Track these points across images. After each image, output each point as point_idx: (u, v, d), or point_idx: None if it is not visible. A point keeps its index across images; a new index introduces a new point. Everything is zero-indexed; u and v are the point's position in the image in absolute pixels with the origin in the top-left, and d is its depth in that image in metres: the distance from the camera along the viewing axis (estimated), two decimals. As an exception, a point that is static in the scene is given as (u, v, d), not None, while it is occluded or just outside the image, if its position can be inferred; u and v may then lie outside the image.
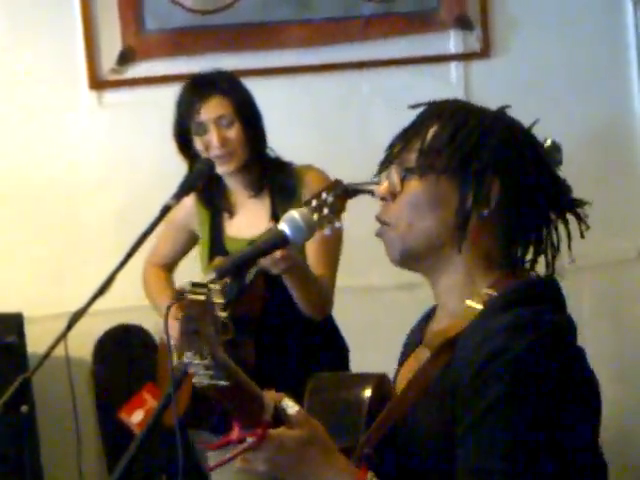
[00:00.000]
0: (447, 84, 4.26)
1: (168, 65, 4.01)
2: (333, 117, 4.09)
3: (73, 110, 4.02)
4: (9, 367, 3.35)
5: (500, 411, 1.53)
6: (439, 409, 1.61)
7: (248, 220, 3.04)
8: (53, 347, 2.63)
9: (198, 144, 2.95)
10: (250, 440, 1.57)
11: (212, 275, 1.81)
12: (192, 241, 3.21)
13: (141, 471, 3.73)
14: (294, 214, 1.87)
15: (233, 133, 2.93)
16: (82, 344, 3.82)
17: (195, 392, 2.88)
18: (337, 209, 2.45)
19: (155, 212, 2.86)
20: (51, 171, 3.99)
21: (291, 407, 1.62)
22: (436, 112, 1.74)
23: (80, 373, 3.85)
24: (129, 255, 2.77)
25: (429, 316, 1.80)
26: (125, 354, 3.89)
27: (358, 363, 2.99)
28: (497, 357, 1.53)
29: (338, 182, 2.48)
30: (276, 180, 3.02)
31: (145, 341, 3.68)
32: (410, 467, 1.67)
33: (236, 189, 3.06)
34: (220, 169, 2.96)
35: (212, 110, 2.91)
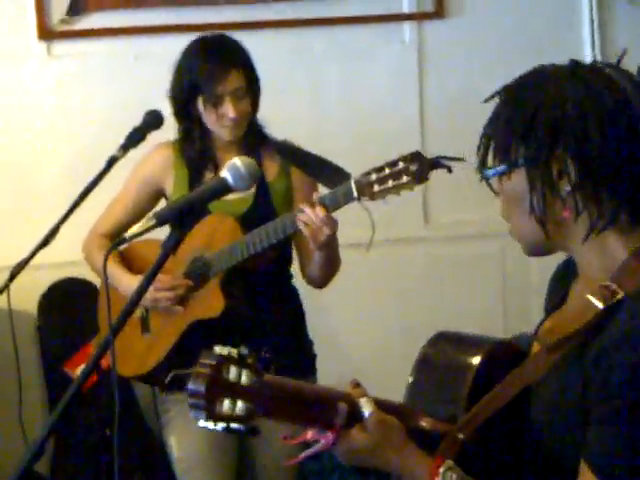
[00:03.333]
0: (401, 44, 4.26)
1: (118, 17, 3.97)
2: (284, 74, 4.08)
3: (22, 60, 3.97)
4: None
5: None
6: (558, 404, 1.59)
7: None
8: (-5, 298, 2.60)
9: (210, 114, 2.91)
10: (322, 442, 1.65)
11: (152, 221, 1.79)
12: (154, 202, 3.09)
13: (84, 427, 3.73)
14: (236, 161, 1.85)
15: (244, 105, 2.92)
16: (28, 297, 3.81)
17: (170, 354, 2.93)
18: (401, 184, 2.52)
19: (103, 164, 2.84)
20: (0, 121, 3.95)
21: (366, 409, 1.65)
22: (509, 100, 1.61)
23: (25, 327, 3.83)
24: (73, 207, 2.74)
25: (569, 270, 1.72)
26: (71, 307, 3.86)
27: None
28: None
29: (418, 153, 2.52)
30: (264, 146, 3.01)
31: (91, 294, 3.64)
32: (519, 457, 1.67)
33: (225, 147, 3.00)
34: (228, 137, 2.94)
35: (231, 84, 2.89)
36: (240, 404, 1.50)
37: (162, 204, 3.06)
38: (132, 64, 3.99)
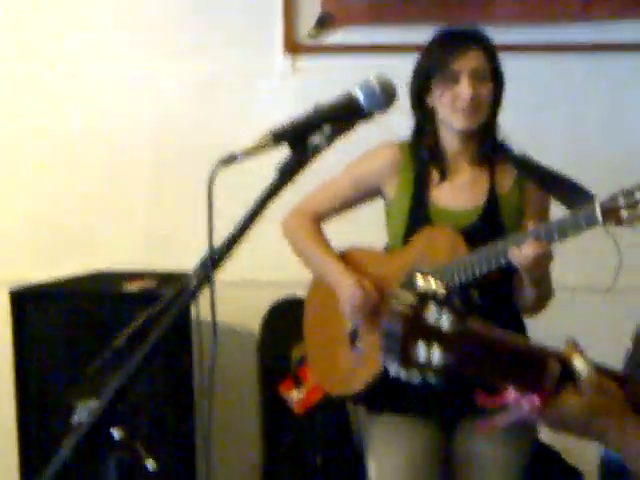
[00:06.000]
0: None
1: (366, 33, 3.86)
2: (537, 102, 3.86)
3: (265, 74, 3.94)
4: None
5: None
6: None
7: (462, 189, 2.83)
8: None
9: (445, 95, 2.74)
10: (526, 407, 1.42)
11: (267, 138, 1.63)
12: (366, 200, 2.94)
13: (295, 452, 3.65)
14: (370, 77, 1.66)
15: (485, 90, 2.75)
16: (251, 314, 3.77)
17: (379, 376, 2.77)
18: None
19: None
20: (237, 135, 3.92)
21: (581, 369, 1.43)
22: None
23: (247, 344, 3.79)
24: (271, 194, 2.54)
25: None
26: (292, 327, 3.79)
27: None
28: None
29: None
30: (500, 157, 2.84)
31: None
32: None
33: (457, 152, 2.83)
34: (461, 123, 2.75)
35: (469, 61, 2.73)
36: (437, 353, 1.30)
37: (378, 205, 2.93)
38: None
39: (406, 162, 2.86)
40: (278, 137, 1.64)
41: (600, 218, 2.38)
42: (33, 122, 3.99)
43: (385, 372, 2.71)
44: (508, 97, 2.84)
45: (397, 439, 2.81)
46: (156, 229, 3.99)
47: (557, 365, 1.40)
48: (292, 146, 1.66)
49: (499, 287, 2.74)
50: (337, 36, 3.89)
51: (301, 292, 3.12)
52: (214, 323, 1.68)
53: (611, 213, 2.36)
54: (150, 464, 1.75)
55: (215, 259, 1.64)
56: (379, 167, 2.89)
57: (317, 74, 3.89)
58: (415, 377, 1.31)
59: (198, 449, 3.75)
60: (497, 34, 2.87)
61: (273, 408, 3.65)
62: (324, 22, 3.87)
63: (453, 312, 1.31)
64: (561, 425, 1.44)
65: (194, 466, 3.73)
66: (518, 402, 1.42)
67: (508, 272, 2.66)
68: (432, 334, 1.30)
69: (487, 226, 2.75)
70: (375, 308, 2.79)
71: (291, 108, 3.84)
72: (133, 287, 3.55)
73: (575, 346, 1.46)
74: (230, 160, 1.67)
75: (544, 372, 1.39)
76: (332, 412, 3.33)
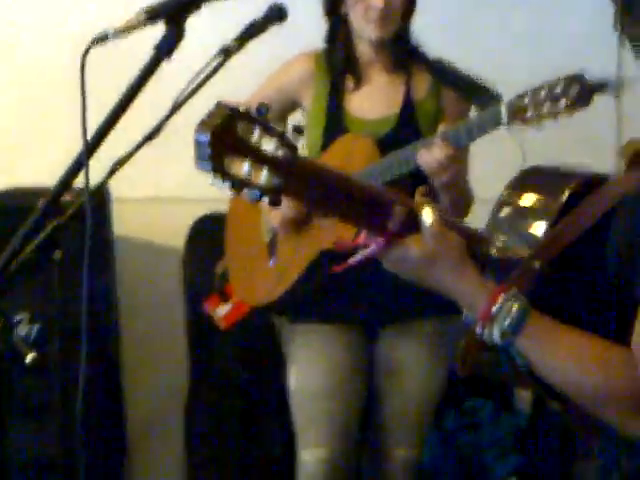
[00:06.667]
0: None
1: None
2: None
3: None
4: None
5: None
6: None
7: (377, 97, 2.82)
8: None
9: (358, 4, 2.72)
10: (373, 247, 1.48)
11: (142, 16, 1.58)
12: (287, 113, 2.92)
13: (222, 369, 3.64)
14: None
15: None
16: (174, 231, 3.74)
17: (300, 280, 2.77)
18: (558, 109, 2.28)
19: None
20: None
21: (428, 218, 1.47)
22: None
23: (171, 260, 3.77)
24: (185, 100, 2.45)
25: None
26: (216, 243, 3.76)
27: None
28: None
29: (580, 75, 2.27)
30: (415, 63, 2.81)
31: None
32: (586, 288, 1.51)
33: (371, 60, 2.83)
34: (374, 33, 2.74)
35: None
36: (265, 172, 1.31)
37: (296, 116, 2.90)
38: None
39: (321, 71, 2.85)
40: (154, 14, 1.58)
41: (505, 117, 2.37)
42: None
43: (305, 279, 2.72)
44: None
45: (318, 346, 2.83)
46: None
47: (402, 210, 1.45)
48: (168, 22, 1.60)
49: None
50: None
51: (224, 208, 3.09)
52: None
53: (517, 113, 2.34)
54: (29, 357, 1.72)
55: (89, 147, 1.59)
56: (295, 77, 2.88)
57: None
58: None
59: (123, 369, 3.74)
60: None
61: (199, 326, 3.63)
62: None
63: (279, 140, 1.31)
64: (402, 268, 1.49)
65: (119, 386, 3.71)
66: (367, 243, 1.48)
67: (423, 179, 2.63)
68: (250, 150, 1.30)
69: (404, 133, 2.74)
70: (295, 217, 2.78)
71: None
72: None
73: (426, 197, 1.51)
74: (102, 39, 1.60)
75: (388, 215, 1.44)
76: (257, 328, 3.31)
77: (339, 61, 2.82)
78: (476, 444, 3.34)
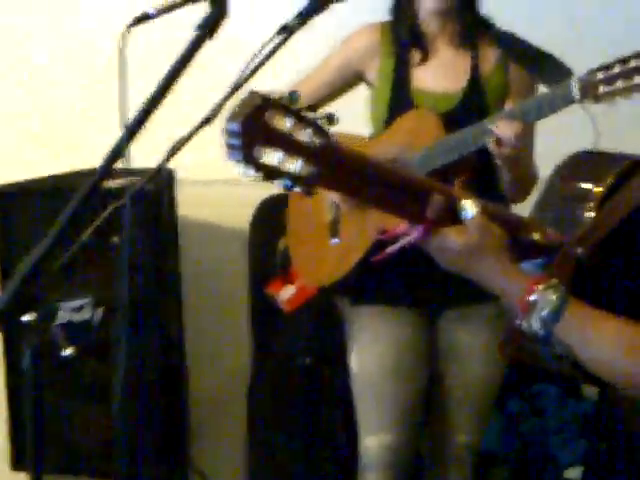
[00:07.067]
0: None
1: None
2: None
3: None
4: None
5: None
6: None
7: (443, 72, 2.78)
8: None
9: None
10: (413, 235, 1.50)
11: None
12: (351, 86, 2.88)
13: (285, 352, 3.63)
14: None
15: None
16: (240, 213, 3.72)
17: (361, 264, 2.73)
18: (632, 85, 2.21)
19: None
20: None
21: (469, 210, 1.50)
22: None
23: (237, 242, 3.74)
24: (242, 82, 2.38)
25: None
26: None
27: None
28: None
29: None
30: (482, 36, 2.76)
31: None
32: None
33: (436, 32, 2.78)
34: (433, 3, 2.71)
35: None
36: (299, 162, 1.31)
37: (362, 89, 2.87)
38: None
39: (386, 44, 2.81)
40: None
41: (577, 94, 2.30)
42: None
43: (366, 261, 2.68)
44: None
45: (380, 328, 2.80)
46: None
47: (440, 199, 1.46)
48: (213, 2, 1.60)
49: (483, 172, 2.67)
50: None
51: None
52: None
53: (589, 89, 2.27)
54: (69, 351, 1.71)
55: (132, 127, 1.58)
56: (361, 48, 2.83)
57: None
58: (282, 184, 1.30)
59: (187, 352, 3.74)
60: None
61: (262, 308, 3.61)
62: None
63: (312, 126, 1.31)
64: (441, 257, 1.52)
65: (183, 369, 3.71)
66: (407, 232, 1.50)
67: (488, 156, 2.59)
68: (283, 139, 1.29)
69: (470, 109, 2.70)
70: None
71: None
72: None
73: (467, 189, 1.56)
74: (143, 18, 1.59)
75: (426, 203, 1.45)
76: (321, 311, 3.29)
77: (404, 34, 2.78)
78: (540, 430, 3.28)
